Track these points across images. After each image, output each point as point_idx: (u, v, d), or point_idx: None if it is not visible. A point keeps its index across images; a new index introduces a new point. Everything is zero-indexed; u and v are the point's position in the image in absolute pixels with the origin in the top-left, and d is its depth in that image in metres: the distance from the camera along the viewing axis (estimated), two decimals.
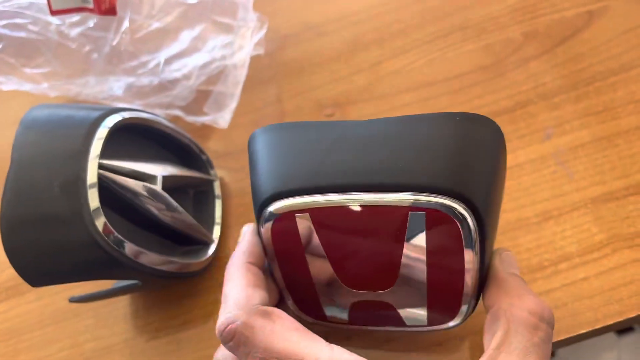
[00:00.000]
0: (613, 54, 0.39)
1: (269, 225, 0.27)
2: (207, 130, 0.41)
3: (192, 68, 0.38)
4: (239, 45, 0.39)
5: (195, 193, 0.38)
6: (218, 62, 0.38)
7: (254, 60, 0.43)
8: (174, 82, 0.40)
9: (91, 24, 0.40)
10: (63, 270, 0.30)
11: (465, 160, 0.25)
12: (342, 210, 0.25)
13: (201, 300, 0.36)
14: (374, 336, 0.33)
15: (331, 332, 0.31)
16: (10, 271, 0.40)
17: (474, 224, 0.25)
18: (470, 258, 0.25)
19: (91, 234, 0.29)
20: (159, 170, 0.34)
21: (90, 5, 0.39)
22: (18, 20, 0.41)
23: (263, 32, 0.42)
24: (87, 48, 0.41)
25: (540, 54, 0.41)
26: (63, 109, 0.33)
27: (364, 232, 0.26)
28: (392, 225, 0.25)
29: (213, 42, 0.38)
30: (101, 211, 0.30)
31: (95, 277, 0.31)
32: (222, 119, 0.37)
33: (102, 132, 0.31)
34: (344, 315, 0.30)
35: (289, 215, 0.26)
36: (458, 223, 0.24)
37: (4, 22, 0.41)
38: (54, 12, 0.40)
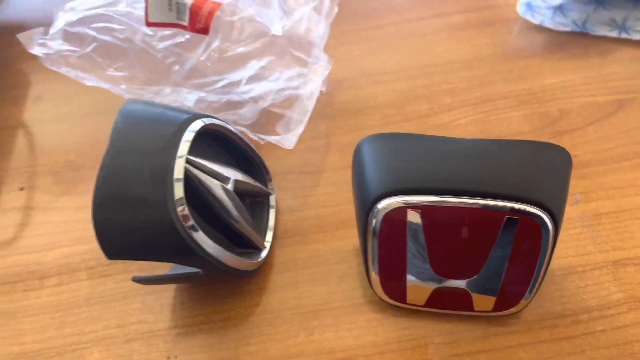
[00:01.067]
0: (638, 139, 0.44)
1: (380, 216, 0.32)
2: (264, 149, 0.45)
3: (265, 91, 0.42)
4: (310, 79, 0.43)
5: (251, 202, 0.42)
6: (290, 90, 0.42)
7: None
8: (243, 102, 0.44)
9: (181, 39, 0.44)
10: (140, 248, 0.33)
11: (551, 179, 0.32)
12: (449, 210, 0.31)
13: (245, 301, 0.39)
14: None
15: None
16: (63, 250, 0.42)
17: (553, 234, 0.31)
18: (544, 259, 0.32)
19: (172, 219, 0.32)
20: (231, 173, 0.37)
21: (185, 23, 0.44)
22: (114, 25, 0.45)
23: (327, 72, 0.47)
24: (170, 60, 0.45)
25: (573, 130, 0.46)
26: (155, 107, 0.36)
27: (464, 229, 0.32)
28: (489, 225, 0.32)
29: (289, 72, 0.43)
30: (184, 201, 0.33)
31: (165, 259, 0.34)
32: (289, 140, 0.41)
33: (189, 135, 0.35)
34: (422, 300, 0.36)
35: (401, 210, 0.32)
36: (542, 230, 0.31)
37: (100, 24, 0.45)
38: (149, 24, 0.45)
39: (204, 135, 0.37)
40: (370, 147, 0.34)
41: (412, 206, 0.32)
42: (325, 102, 0.49)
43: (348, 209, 0.43)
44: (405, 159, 0.33)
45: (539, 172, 0.32)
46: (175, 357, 0.37)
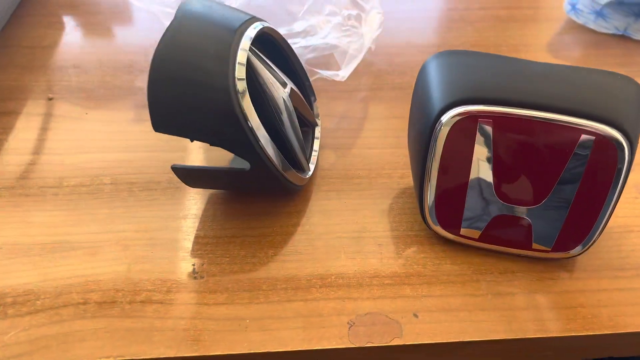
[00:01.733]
0: None
1: (447, 127, 0.31)
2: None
3: (322, 23, 0.41)
4: (366, 20, 0.42)
5: None
6: (348, 27, 0.41)
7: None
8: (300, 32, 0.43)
9: None
10: (190, 119, 0.30)
11: (628, 105, 0.30)
12: (524, 122, 0.30)
13: (282, 220, 0.36)
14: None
15: None
16: (88, 156, 0.39)
17: (629, 158, 0.29)
18: (617, 187, 0.30)
19: (231, 96, 0.30)
20: (289, 82, 0.36)
21: None
22: None
23: (379, 31, 0.46)
24: None
25: None
26: (215, 5, 0.35)
27: (537, 145, 0.30)
28: (564, 144, 0.30)
29: (348, 11, 0.42)
30: (245, 83, 0.31)
31: (214, 140, 0.31)
32: (342, 73, 0.40)
33: (251, 31, 0.33)
34: (477, 231, 0.34)
35: (472, 119, 0.30)
36: (619, 154, 0.29)
37: None
38: None
39: (262, 40, 0.36)
40: (439, 62, 0.33)
41: (484, 116, 0.30)
42: (371, 61, 0.49)
43: (395, 152, 0.41)
44: (477, 72, 0.32)
45: (616, 96, 0.31)
46: (202, 264, 0.33)
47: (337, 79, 0.41)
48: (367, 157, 0.40)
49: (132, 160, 0.39)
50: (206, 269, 0.33)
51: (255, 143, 0.31)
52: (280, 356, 0.30)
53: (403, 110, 0.36)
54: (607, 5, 0.54)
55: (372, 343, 0.30)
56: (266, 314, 0.31)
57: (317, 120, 0.40)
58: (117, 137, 0.41)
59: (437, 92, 0.32)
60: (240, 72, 0.31)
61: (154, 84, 0.30)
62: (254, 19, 0.34)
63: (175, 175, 0.33)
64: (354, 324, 0.31)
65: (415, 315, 0.31)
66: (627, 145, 0.29)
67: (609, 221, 0.36)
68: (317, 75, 0.42)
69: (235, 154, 0.32)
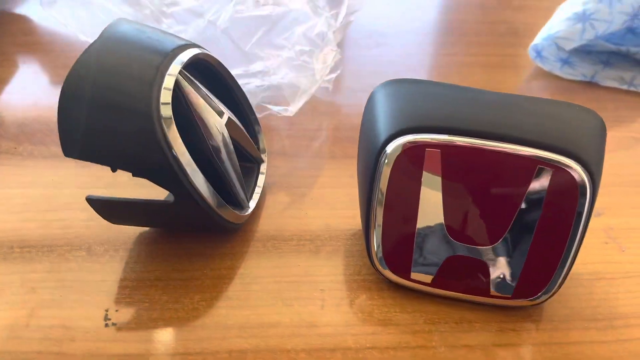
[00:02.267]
0: None
1: (392, 158, 0.28)
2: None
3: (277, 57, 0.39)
4: (321, 56, 0.40)
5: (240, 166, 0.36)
6: (301, 62, 0.39)
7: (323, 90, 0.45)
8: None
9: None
10: (106, 146, 0.27)
11: (588, 136, 0.28)
12: (474, 152, 0.27)
13: (214, 263, 0.32)
14: None
15: None
16: None
17: (590, 193, 0.27)
18: (579, 225, 0.27)
19: (153, 121, 0.27)
20: (226, 110, 0.33)
21: None
22: None
23: (336, 74, 0.45)
24: None
25: None
26: (146, 29, 0.32)
27: (489, 178, 0.27)
28: (518, 176, 0.27)
29: (301, 47, 0.40)
30: (169, 108, 0.28)
31: (132, 168, 0.28)
32: (292, 108, 0.38)
33: (185, 55, 0.31)
34: (429, 275, 0.30)
35: (418, 149, 0.27)
36: (579, 186, 0.26)
37: None
38: None
39: (199, 68, 0.33)
40: (386, 91, 0.31)
41: (432, 145, 0.28)
42: (330, 101, 0.47)
43: (348, 192, 0.37)
44: (425, 99, 0.29)
45: (575, 127, 0.28)
46: (116, 310, 0.29)
47: (286, 114, 0.39)
48: (316, 197, 0.37)
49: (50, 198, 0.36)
50: (121, 314, 0.29)
51: (179, 171, 0.28)
52: None
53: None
54: (574, 53, 0.53)
55: None
56: None
57: (262, 156, 0.37)
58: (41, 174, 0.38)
59: (382, 122, 0.29)
60: (165, 96, 0.28)
61: (66, 103, 0.27)
62: (191, 45, 0.32)
63: (91, 207, 0.30)
64: None
65: None
66: (587, 178, 0.27)
67: (579, 267, 0.32)
68: (267, 111, 0.40)
69: (158, 184, 0.29)
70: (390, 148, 0.28)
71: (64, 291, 0.30)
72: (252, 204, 0.35)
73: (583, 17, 0.51)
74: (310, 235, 0.34)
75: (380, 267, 0.31)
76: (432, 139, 0.28)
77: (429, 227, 0.29)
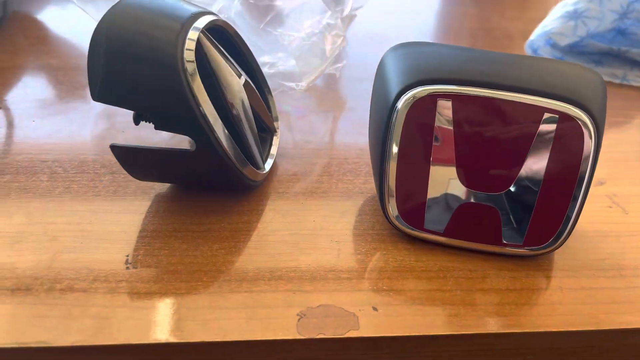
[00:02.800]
0: None
1: (405, 109, 0.29)
2: None
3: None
4: (334, 34, 0.42)
5: None
6: (312, 41, 0.41)
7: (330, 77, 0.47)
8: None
9: None
10: (133, 91, 0.28)
11: (590, 89, 0.29)
12: (485, 101, 0.29)
13: (231, 218, 0.33)
14: None
15: None
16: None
17: (595, 139, 0.28)
18: (585, 166, 0.28)
19: (177, 66, 0.28)
20: (244, 74, 0.34)
21: None
22: None
23: (342, 63, 0.47)
24: None
25: None
26: None
27: (499, 126, 0.29)
28: (526, 123, 0.28)
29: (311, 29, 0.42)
30: (193, 56, 0.29)
31: (156, 113, 0.29)
32: (304, 81, 0.39)
33: (205, 19, 0.32)
34: (442, 224, 0.31)
35: (431, 99, 0.29)
36: (585, 132, 0.28)
37: None
38: None
39: (215, 33, 0.35)
40: (396, 52, 0.33)
41: (443, 95, 0.29)
42: (339, 85, 0.48)
43: (358, 161, 0.39)
44: (435, 57, 0.31)
45: (579, 81, 0.30)
46: (137, 255, 0.30)
47: (298, 88, 0.40)
48: (328, 165, 0.38)
49: (73, 158, 0.36)
50: (141, 259, 0.29)
51: (201, 118, 0.29)
52: (217, 347, 0.26)
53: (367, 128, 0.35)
54: (568, 53, 0.55)
55: (324, 335, 0.26)
56: (204, 304, 0.27)
57: (275, 125, 0.39)
58: (60, 140, 0.39)
59: (393, 79, 0.31)
60: (189, 45, 0.29)
61: (96, 48, 0.28)
62: (210, 12, 0.33)
63: (114, 155, 0.30)
64: (304, 315, 0.27)
65: (375, 309, 0.28)
66: (592, 124, 0.28)
67: (585, 226, 0.34)
68: (279, 87, 0.42)
69: (180, 132, 0.30)
70: (402, 100, 0.29)
71: (85, 240, 0.30)
72: (267, 167, 0.36)
73: (575, 15, 0.54)
74: (323, 196, 0.35)
75: (393, 219, 0.31)
76: (443, 89, 0.29)
77: (441, 176, 0.30)
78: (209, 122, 0.29)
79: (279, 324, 0.26)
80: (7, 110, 0.42)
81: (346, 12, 0.47)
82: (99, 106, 0.42)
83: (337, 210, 0.34)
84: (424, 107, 0.29)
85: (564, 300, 0.29)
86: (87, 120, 0.41)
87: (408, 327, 0.27)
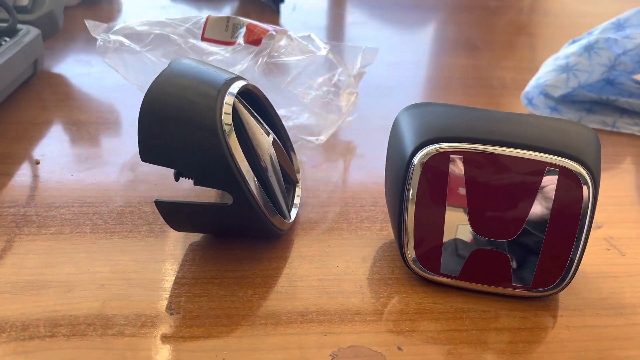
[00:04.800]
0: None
1: (420, 165, 0.32)
2: None
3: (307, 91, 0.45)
4: (346, 93, 0.46)
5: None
6: (331, 95, 0.45)
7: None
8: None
9: (227, 54, 0.48)
10: (176, 152, 0.32)
11: (587, 144, 0.33)
12: (492, 157, 0.32)
13: (262, 264, 0.36)
14: None
15: None
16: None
17: (593, 190, 0.31)
18: (585, 219, 0.32)
19: (217, 131, 0.32)
20: (272, 132, 0.38)
21: (238, 40, 0.48)
22: (171, 35, 0.49)
23: (353, 117, 0.50)
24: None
25: None
26: (202, 63, 0.38)
27: (505, 180, 0.32)
28: (530, 177, 0.32)
29: (327, 88, 0.46)
30: (231, 121, 0.33)
31: (197, 171, 0.32)
32: (323, 135, 0.43)
33: (238, 84, 0.36)
34: (457, 268, 0.34)
35: (443, 156, 0.32)
36: (583, 184, 0.31)
37: (163, 29, 0.49)
38: (204, 39, 0.49)
39: (246, 97, 0.39)
40: (410, 112, 0.36)
41: (455, 152, 0.32)
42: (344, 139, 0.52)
43: (374, 209, 0.42)
44: (446, 116, 0.35)
45: (576, 137, 0.33)
46: (179, 302, 0.32)
47: (317, 142, 0.43)
48: (346, 213, 0.41)
49: (112, 210, 0.39)
50: (183, 305, 0.32)
51: (239, 176, 0.32)
52: None
53: (382, 177, 0.39)
54: (561, 102, 0.59)
55: None
56: (244, 346, 0.30)
57: (297, 177, 0.42)
58: (99, 192, 0.42)
59: (409, 137, 0.34)
60: (227, 109, 0.33)
61: (145, 115, 0.32)
62: (241, 78, 0.37)
63: (158, 212, 0.33)
64: (336, 356, 0.30)
65: (400, 349, 0.30)
66: (589, 177, 0.31)
67: (586, 268, 0.37)
68: (299, 140, 0.45)
69: (219, 187, 0.33)
70: (418, 156, 0.33)
71: (130, 287, 0.33)
72: (292, 216, 0.39)
73: (567, 69, 0.58)
74: (344, 242, 0.38)
75: (412, 265, 0.34)
76: (454, 147, 0.32)
77: (455, 225, 0.33)
78: (245, 178, 0.32)
79: None
80: (46, 164, 0.45)
81: (356, 70, 0.51)
82: (131, 159, 0.45)
83: (358, 256, 0.37)
84: (438, 162, 0.32)
85: (572, 338, 0.32)
86: (122, 174, 0.44)
87: None
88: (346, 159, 0.49)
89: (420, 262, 0.34)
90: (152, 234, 0.37)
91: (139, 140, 0.32)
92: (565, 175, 0.31)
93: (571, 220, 0.32)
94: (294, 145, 0.44)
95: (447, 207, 0.33)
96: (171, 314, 0.31)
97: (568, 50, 0.60)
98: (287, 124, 0.47)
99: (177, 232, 0.37)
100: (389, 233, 0.39)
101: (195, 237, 0.37)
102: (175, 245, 0.37)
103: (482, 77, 0.70)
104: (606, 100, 0.60)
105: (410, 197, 0.33)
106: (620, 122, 0.58)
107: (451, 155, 0.32)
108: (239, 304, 0.32)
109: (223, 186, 0.33)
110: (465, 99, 0.63)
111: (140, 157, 0.32)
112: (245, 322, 0.31)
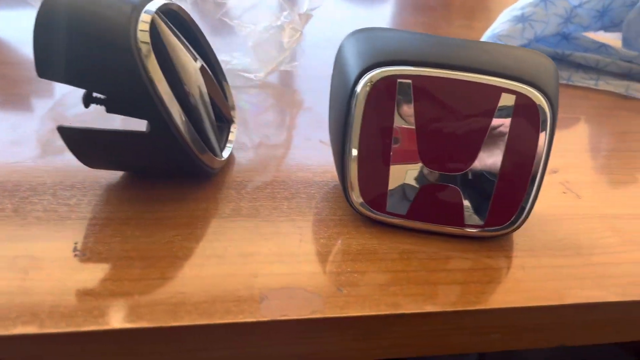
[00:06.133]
0: (599, 142, 0.45)
1: (365, 91, 0.29)
2: None
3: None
4: (288, 34, 0.42)
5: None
6: (270, 33, 0.41)
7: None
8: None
9: None
10: (80, 64, 0.27)
11: (544, 72, 0.30)
12: (444, 82, 0.29)
13: (188, 205, 0.31)
14: None
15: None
16: None
17: (551, 120, 0.29)
18: (542, 145, 0.29)
19: (129, 41, 0.27)
20: (200, 59, 0.33)
21: None
22: None
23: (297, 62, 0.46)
24: None
25: None
26: None
27: (458, 106, 0.29)
28: (485, 103, 0.29)
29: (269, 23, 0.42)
30: (148, 37, 0.28)
31: (104, 89, 0.27)
32: (262, 73, 0.38)
33: (157, 1, 0.31)
34: (404, 207, 0.31)
35: (390, 81, 0.29)
36: (540, 112, 0.28)
37: None
38: None
39: (170, 17, 0.34)
40: (354, 37, 0.33)
41: (403, 76, 0.29)
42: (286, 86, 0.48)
43: (318, 152, 0.38)
44: (394, 40, 0.31)
45: (532, 63, 0.30)
46: (87, 243, 0.28)
47: (256, 78, 0.39)
48: (286, 156, 0.38)
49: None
50: (91, 247, 0.28)
51: (156, 98, 0.28)
52: (175, 332, 0.24)
53: (326, 121, 0.35)
54: None
55: (288, 316, 0.25)
56: (160, 289, 0.26)
57: (232, 115, 0.38)
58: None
59: (352, 62, 0.30)
60: (143, 26, 0.28)
61: (41, 28, 0.27)
62: None
63: (62, 139, 0.29)
64: (266, 297, 0.26)
65: (340, 290, 0.27)
66: (547, 105, 0.29)
67: (542, 209, 0.34)
68: (235, 83, 0.41)
69: (133, 114, 0.28)
70: (361, 83, 0.29)
71: (30, 227, 0.28)
72: (225, 155, 0.35)
73: (522, 19, 0.56)
74: (283, 185, 0.34)
75: (355, 203, 0.31)
76: (402, 70, 0.29)
77: (403, 158, 0.30)
78: (164, 101, 0.28)
79: (240, 307, 0.25)
80: None
81: (303, 9, 0.47)
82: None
83: (299, 198, 0.33)
84: (384, 88, 0.29)
85: (527, 278, 0.29)
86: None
87: (373, 307, 0.26)
88: (290, 107, 0.45)
89: (364, 200, 0.31)
90: (61, 172, 0.33)
91: (35, 53, 0.27)
92: (522, 101, 0.29)
93: (528, 152, 0.29)
94: (233, 90, 0.39)
95: (393, 138, 0.30)
96: (75, 255, 0.27)
97: (524, 1, 0.57)
98: (225, 67, 0.43)
99: (92, 172, 0.33)
100: (333, 175, 0.36)
101: (113, 177, 0.33)
102: (84, 185, 0.32)
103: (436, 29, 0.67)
104: (561, 55, 0.58)
105: (354, 129, 0.30)
106: (575, 77, 0.57)
107: (398, 80, 0.29)
108: (158, 245, 0.28)
109: (138, 111, 0.28)
110: None
111: (38, 72, 0.27)
112: (164, 263, 0.27)
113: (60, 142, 0.29)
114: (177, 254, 0.28)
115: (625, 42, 0.60)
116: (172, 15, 0.33)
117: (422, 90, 0.29)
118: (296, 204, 0.33)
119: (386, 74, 0.29)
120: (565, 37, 0.59)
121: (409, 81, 0.29)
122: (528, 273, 0.29)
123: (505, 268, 0.30)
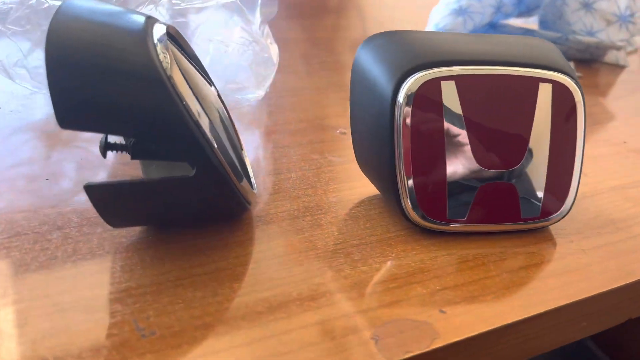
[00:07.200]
0: None
1: (407, 99, 0.27)
2: None
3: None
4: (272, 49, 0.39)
5: None
6: (258, 46, 0.38)
7: None
8: None
9: None
10: (105, 108, 0.22)
11: (562, 57, 0.31)
12: (485, 78, 0.28)
13: (234, 251, 0.27)
14: None
15: None
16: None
17: (583, 101, 0.29)
18: (581, 126, 0.30)
19: (153, 61, 0.23)
20: (213, 84, 0.30)
21: None
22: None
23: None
24: None
25: None
26: (108, 5, 0.28)
27: (501, 101, 0.29)
28: (525, 95, 0.29)
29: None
30: (169, 61, 0.24)
31: (139, 134, 0.23)
32: (260, 92, 0.35)
33: (160, 25, 0.27)
34: (464, 211, 0.30)
35: (434, 84, 0.28)
36: (575, 95, 0.29)
37: None
38: None
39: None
40: (375, 42, 0.31)
41: (445, 77, 0.28)
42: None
43: (334, 169, 0.36)
44: (420, 42, 0.30)
45: (549, 50, 0.31)
46: (147, 318, 0.23)
47: (256, 97, 0.36)
48: (306, 178, 0.35)
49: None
50: (155, 322, 0.23)
51: (200, 136, 0.24)
52: None
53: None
54: None
55: (411, 352, 0.23)
56: (262, 352, 0.22)
57: (241, 142, 0.34)
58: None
59: (381, 71, 0.29)
60: (161, 49, 0.24)
61: (56, 64, 0.22)
62: (153, 18, 0.28)
63: (89, 199, 0.23)
64: (379, 337, 0.23)
65: (442, 311, 0.25)
66: (578, 87, 0.29)
67: None
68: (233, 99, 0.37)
69: (169, 158, 0.24)
70: (402, 92, 0.27)
71: (64, 315, 0.23)
72: (255, 186, 0.31)
73: (461, 12, 0.57)
74: (319, 209, 0.32)
75: (416, 217, 0.29)
76: (443, 72, 0.28)
77: (458, 161, 0.29)
78: (208, 138, 0.24)
79: (359, 353, 0.22)
80: None
81: (258, 21, 0.44)
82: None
83: (342, 221, 0.31)
84: (429, 93, 0.28)
85: (592, 261, 0.29)
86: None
87: (483, 322, 0.25)
88: (282, 120, 0.42)
89: (422, 208, 0.29)
90: (68, 240, 0.27)
91: (53, 101, 0.22)
92: (558, 88, 0.29)
93: (570, 133, 0.30)
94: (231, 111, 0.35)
95: (445, 144, 0.28)
96: (143, 335, 0.22)
97: None
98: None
99: (107, 232, 0.27)
100: (362, 190, 0.34)
101: (131, 238, 0.28)
102: (105, 249, 0.27)
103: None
104: None
105: (402, 143, 0.28)
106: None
107: (442, 82, 0.28)
108: (227, 302, 0.24)
109: (179, 152, 0.24)
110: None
111: (59, 122, 0.22)
112: (245, 323, 0.23)
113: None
114: (256, 308, 0.24)
115: (542, 24, 0.64)
116: (173, 39, 0.29)
117: (466, 89, 0.28)
118: (344, 228, 0.30)
119: (428, 78, 0.28)
120: (493, 26, 0.62)
121: (452, 81, 0.28)
122: (590, 255, 0.30)
123: (569, 255, 0.30)
